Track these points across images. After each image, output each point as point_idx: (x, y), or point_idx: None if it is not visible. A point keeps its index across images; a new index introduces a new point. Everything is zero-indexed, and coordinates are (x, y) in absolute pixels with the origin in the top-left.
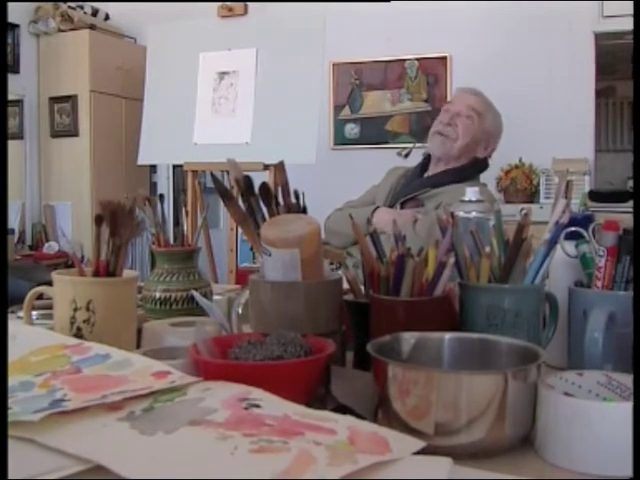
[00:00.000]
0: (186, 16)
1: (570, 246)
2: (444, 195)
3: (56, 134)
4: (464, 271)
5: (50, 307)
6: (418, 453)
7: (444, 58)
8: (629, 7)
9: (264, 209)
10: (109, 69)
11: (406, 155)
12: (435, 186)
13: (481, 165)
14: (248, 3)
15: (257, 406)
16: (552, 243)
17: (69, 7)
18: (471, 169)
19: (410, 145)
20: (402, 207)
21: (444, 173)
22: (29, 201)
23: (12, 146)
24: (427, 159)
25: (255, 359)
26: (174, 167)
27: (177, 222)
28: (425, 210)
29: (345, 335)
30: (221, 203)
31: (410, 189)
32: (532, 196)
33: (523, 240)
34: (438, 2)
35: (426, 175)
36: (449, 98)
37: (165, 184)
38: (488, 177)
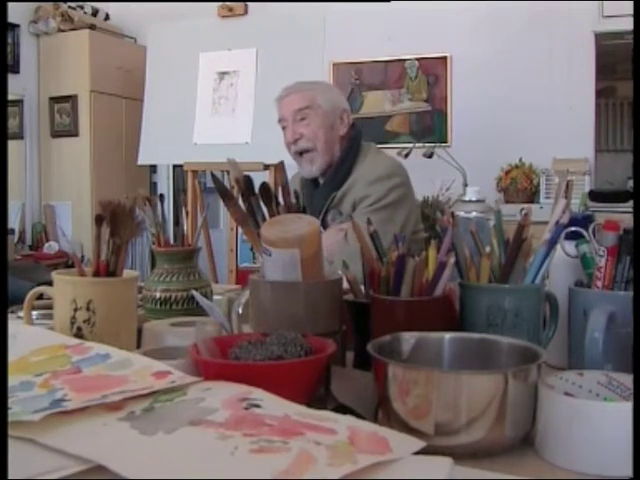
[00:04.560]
0: (186, 16)
1: (570, 246)
2: (352, 191)
3: (56, 134)
4: (464, 271)
5: (50, 307)
6: (418, 453)
7: (444, 58)
8: (629, 7)
9: (264, 209)
10: (109, 69)
11: (406, 155)
12: (337, 188)
13: (355, 138)
14: (248, 3)
15: (257, 406)
16: (552, 243)
17: (69, 7)
18: (352, 151)
19: (410, 145)
20: (323, 223)
21: (334, 172)
22: (29, 201)
23: (12, 146)
24: None
25: (255, 359)
26: (174, 167)
27: (177, 222)
28: (345, 215)
29: (345, 335)
30: (221, 203)
31: (318, 204)
32: (532, 196)
33: (523, 240)
34: (438, 2)
35: (321, 182)
36: (449, 98)
37: (165, 184)
38: (488, 177)
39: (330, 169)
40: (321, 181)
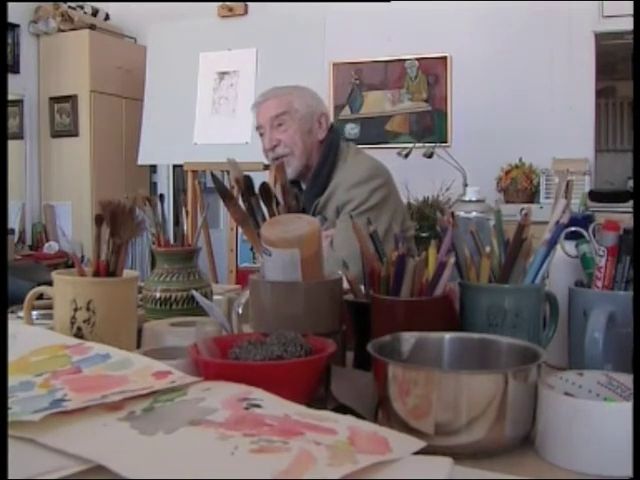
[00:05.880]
0: (186, 16)
1: (570, 246)
2: (334, 197)
3: (56, 134)
4: (464, 271)
5: (50, 307)
6: (418, 453)
7: (444, 58)
8: (629, 7)
9: (264, 209)
10: (109, 69)
11: (406, 155)
12: (320, 194)
13: (333, 141)
14: (248, 3)
15: (257, 406)
16: (552, 243)
17: (69, 7)
18: (330, 155)
19: (410, 145)
20: None
21: (314, 178)
22: (29, 201)
23: (12, 146)
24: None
25: (255, 359)
26: (174, 167)
27: (177, 222)
28: (330, 221)
29: (345, 335)
30: (221, 203)
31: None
32: (532, 196)
33: (523, 240)
34: (438, 2)
35: (303, 188)
36: (449, 98)
37: (165, 184)
38: (488, 177)
39: (309, 173)
40: (304, 186)
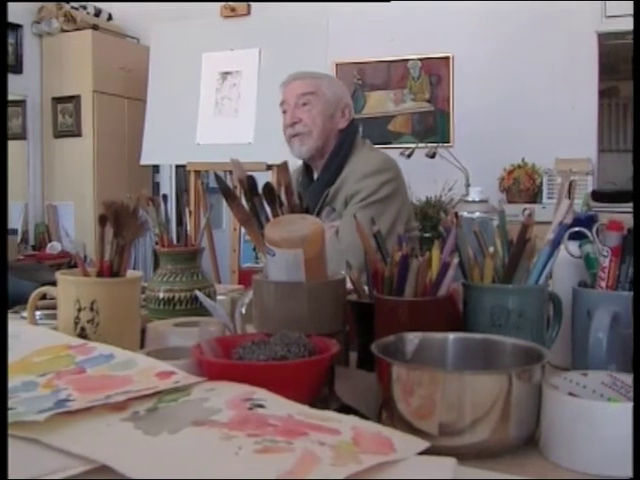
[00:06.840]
0: (189, 16)
1: (574, 246)
2: (344, 187)
3: (59, 134)
4: (468, 271)
5: (54, 307)
6: (422, 453)
7: (447, 58)
8: (632, 7)
9: (267, 209)
10: (112, 69)
11: (409, 155)
12: (329, 184)
13: (350, 133)
14: (251, 3)
15: (261, 406)
16: (556, 243)
17: (72, 7)
18: (345, 146)
19: (413, 145)
20: None
21: (326, 167)
22: (32, 201)
23: (15, 146)
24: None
25: (259, 359)
26: (177, 167)
27: (180, 222)
28: (338, 212)
29: (349, 335)
30: (224, 203)
31: (312, 201)
32: (535, 196)
33: (527, 240)
34: (441, 2)
35: (315, 177)
36: (452, 98)
37: (168, 184)
38: (490, 177)
39: (321, 159)
40: (315, 175)
